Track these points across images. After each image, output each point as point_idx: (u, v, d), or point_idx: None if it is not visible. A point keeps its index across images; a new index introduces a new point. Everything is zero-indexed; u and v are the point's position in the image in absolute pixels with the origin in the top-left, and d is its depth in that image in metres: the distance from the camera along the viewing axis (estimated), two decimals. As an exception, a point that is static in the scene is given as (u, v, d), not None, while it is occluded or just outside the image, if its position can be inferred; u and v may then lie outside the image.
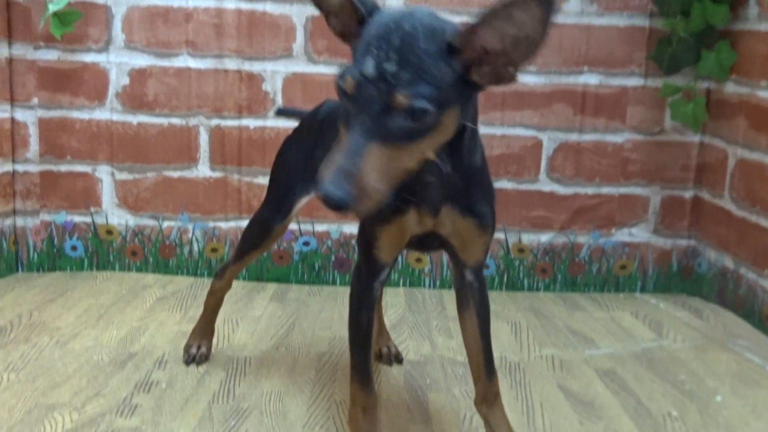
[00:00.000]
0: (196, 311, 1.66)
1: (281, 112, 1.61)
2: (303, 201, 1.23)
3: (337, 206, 0.74)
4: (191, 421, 1.15)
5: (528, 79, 1.88)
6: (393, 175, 0.78)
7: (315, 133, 1.22)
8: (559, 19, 1.85)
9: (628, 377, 1.36)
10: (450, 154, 0.88)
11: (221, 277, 1.40)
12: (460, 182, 0.92)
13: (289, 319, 1.65)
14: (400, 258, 1.53)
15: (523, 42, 0.76)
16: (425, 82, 0.76)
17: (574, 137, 1.91)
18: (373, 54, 0.77)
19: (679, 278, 1.97)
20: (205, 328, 1.43)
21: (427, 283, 1.94)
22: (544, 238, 1.94)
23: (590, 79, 1.89)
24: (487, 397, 1.04)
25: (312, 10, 1.83)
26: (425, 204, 0.93)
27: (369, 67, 0.76)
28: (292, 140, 1.29)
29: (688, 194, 1.95)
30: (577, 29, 1.86)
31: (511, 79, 0.80)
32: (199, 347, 1.40)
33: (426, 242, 0.98)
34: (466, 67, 0.79)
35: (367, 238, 0.98)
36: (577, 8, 1.85)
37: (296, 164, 1.24)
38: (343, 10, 0.86)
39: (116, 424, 1.13)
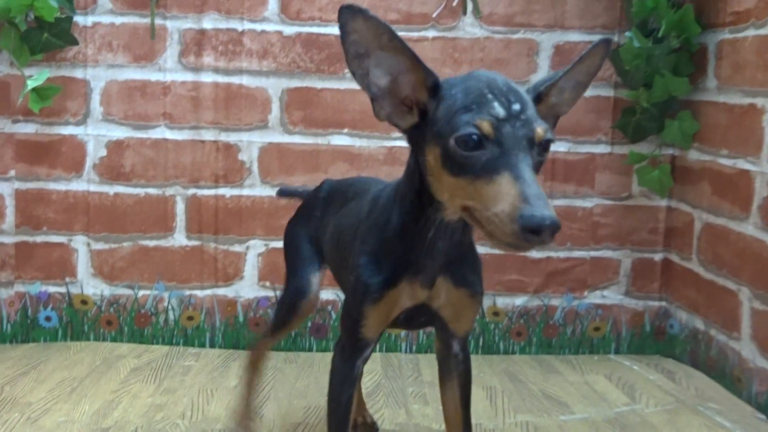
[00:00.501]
0: (171, 382, 1.66)
1: (282, 193, 1.58)
2: (318, 274, 1.26)
3: (557, 228, 0.73)
4: (163, 500, 1.14)
5: (499, 146, 1.92)
6: None
7: (319, 210, 1.26)
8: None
9: (601, 444, 1.37)
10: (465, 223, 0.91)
11: (255, 348, 1.39)
12: (456, 252, 0.94)
13: (264, 388, 1.65)
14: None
15: (574, 89, 0.91)
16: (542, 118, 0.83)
17: (545, 202, 1.95)
18: (492, 100, 0.80)
19: (652, 339, 2.00)
20: (248, 408, 1.39)
21: (403, 347, 1.95)
22: (519, 301, 1.97)
23: (559, 147, 1.94)
24: None
25: (288, 83, 1.88)
26: (423, 274, 0.93)
27: (498, 109, 0.79)
28: (296, 221, 1.33)
29: (657, 257, 1.99)
30: (544, 99, 1.92)
31: (552, 129, 0.88)
32: None
33: (414, 317, 0.98)
34: None
35: (353, 317, 0.97)
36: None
37: (305, 243, 1.27)
38: (397, 85, 0.86)
39: (86, 504, 1.12)
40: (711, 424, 1.45)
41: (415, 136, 0.88)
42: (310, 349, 1.94)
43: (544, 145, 0.81)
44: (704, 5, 1.81)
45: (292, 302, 1.25)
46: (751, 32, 1.64)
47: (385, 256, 0.94)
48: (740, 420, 1.47)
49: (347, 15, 0.82)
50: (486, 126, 0.78)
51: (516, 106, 0.80)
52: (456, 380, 1.03)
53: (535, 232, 0.72)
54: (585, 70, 0.91)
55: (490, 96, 0.80)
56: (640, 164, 1.90)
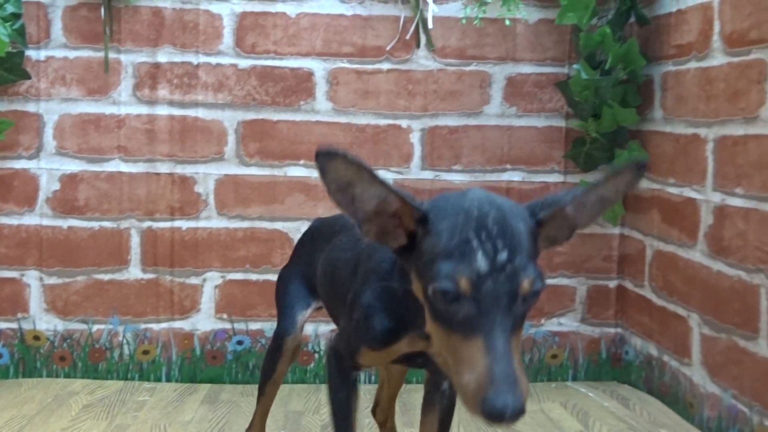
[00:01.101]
0: (123, 418, 1.64)
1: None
2: (306, 313, 1.30)
3: (519, 415, 0.69)
4: None
5: (453, 177, 1.95)
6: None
7: (308, 245, 1.31)
8: (481, 120, 1.95)
9: (553, 473, 1.38)
10: None
11: (252, 425, 1.40)
12: None
13: (219, 423, 1.63)
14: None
15: (595, 205, 0.82)
16: (532, 261, 0.76)
17: (500, 231, 1.97)
18: (478, 248, 0.74)
19: (608, 366, 2.02)
20: None
21: (362, 378, 1.94)
22: (476, 330, 1.98)
23: (513, 176, 1.97)
24: None
25: (243, 115, 1.89)
26: (418, 330, 0.91)
27: (481, 261, 0.73)
28: (288, 264, 1.38)
29: (612, 284, 2.02)
30: (498, 130, 1.95)
31: (566, 240, 0.84)
32: None
33: (411, 359, 1.00)
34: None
35: (351, 347, 1.00)
36: (498, 110, 1.95)
37: (295, 283, 1.32)
38: (381, 215, 0.82)
39: None
40: (661, 451, 1.47)
41: (404, 255, 0.84)
42: (267, 382, 1.92)
43: (536, 295, 0.76)
44: (649, 38, 1.87)
45: (278, 341, 1.29)
46: (692, 65, 1.69)
47: (390, 305, 0.94)
48: (690, 445, 1.49)
49: (324, 160, 0.77)
50: (464, 283, 0.73)
51: (503, 256, 0.74)
52: (437, 412, 1.05)
53: (496, 419, 0.69)
54: (613, 188, 0.83)
55: (475, 243, 0.74)
56: (592, 193, 1.93)
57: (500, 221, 0.76)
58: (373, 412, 1.48)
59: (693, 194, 1.68)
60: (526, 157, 1.97)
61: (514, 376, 0.69)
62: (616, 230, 2.00)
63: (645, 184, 1.88)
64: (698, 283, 1.66)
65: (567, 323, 2.01)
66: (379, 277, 0.96)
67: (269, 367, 1.29)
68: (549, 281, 1.99)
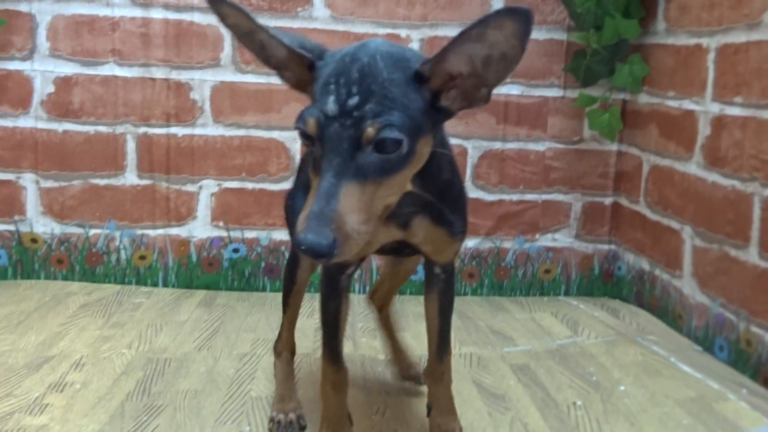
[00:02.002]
0: (120, 317, 1.66)
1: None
2: None
3: (319, 254, 0.70)
4: (102, 418, 1.15)
5: (452, 89, 1.93)
6: (374, 213, 0.76)
7: (308, 159, 1.24)
8: (481, 31, 1.92)
9: (540, 371, 1.41)
10: (419, 174, 0.85)
11: (280, 337, 1.31)
12: (431, 196, 0.92)
13: (214, 322, 1.66)
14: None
15: (498, 61, 0.75)
16: (395, 111, 0.74)
17: (497, 146, 1.97)
18: (332, 92, 0.75)
19: (600, 282, 2.04)
20: (284, 394, 1.22)
21: (356, 288, 1.96)
22: (471, 243, 1.99)
23: (512, 90, 1.95)
24: (434, 373, 1.09)
25: (239, 20, 1.86)
26: (394, 219, 0.92)
27: (330, 104, 0.74)
28: (294, 182, 1.30)
29: (607, 200, 2.02)
30: (498, 41, 1.92)
31: (484, 101, 0.79)
32: (286, 414, 1.17)
33: (398, 249, 1.01)
34: (435, 94, 0.79)
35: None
36: (498, 21, 1.91)
37: (299, 196, 1.23)
38: (291, 61, 0.84)
39: (24, 422, 1.12)
40: (647, 353, 1.50)
41: None
42: (263, 289, 1.95)
43: (388, 143, 0.74)
44: (655, -53, 1.82)
45: (294, 253, 1.24)
46: (698, -28, 1.65)
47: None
48: (676, 350, 1.52)
49: (214, 6, 0.81)
50: (311, 124, 0.75)
51: (353, 101, 0.74)
52: (436, 294, 1.06)
53: (305, 254, 0.72)
54: (502, 38, 0.73)
55: (332, 87, 0.75)
56: (590, 107, 1.92)
57: (366, 69, 0.75)
58: (370, 299, 1.42)
59: (692, 106, 1.67)
60: (525, 70, 1.95)
61: (327, 215, 0.71)
62: (614, 147, 1.99)
63: (644, 99, 1.87)
64: (692, 196, 1.66)
65: (561, 239, 2.03)
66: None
67: (289, 279, 1.23)
68: (544, 197, 2.00)
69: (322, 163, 0.75)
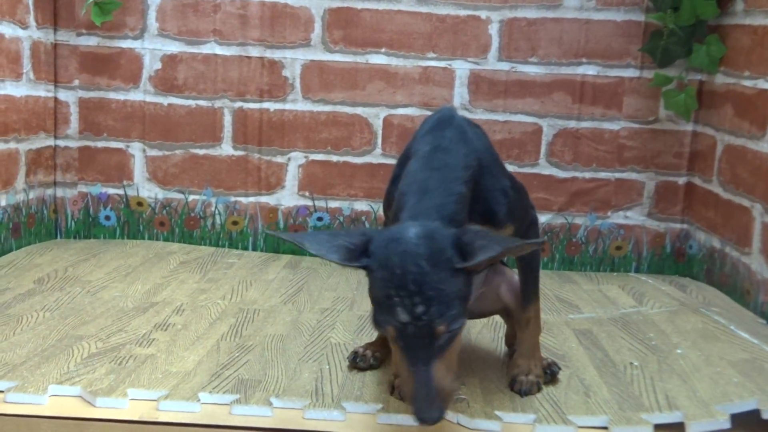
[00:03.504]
0: (215, 274, 1.83)
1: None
2: None
3: (436, 422, 0.93)
4: (201, 352, 1.30)
5: (530, 69, 2.01)
6: (455, 365, 0.98)
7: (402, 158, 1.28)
8: (560, 13, 1.98)
9: (601, 336, 1.48)
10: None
11: None
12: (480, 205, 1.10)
13: (299, 282, 1.80)
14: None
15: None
16: (453, 303, 0.93)
17: (572, 124, 2.03)
18: (398, 304, 0.92)
19: (672, 260, 2.07)
20: (375, 341, 1.31)
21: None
22: (543, 219, 2.06)
23: (588, 70, 2.01)
24: (520, 320, 1.25)
25: (330, 2, 1.99)
26: None
27: (401, 315, 0.92)
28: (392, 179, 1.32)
29: (681, 180, 2.05)
30: (576, 23, 1.99)
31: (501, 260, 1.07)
32: (365, 349, 1.28)
33: None
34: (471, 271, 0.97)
35: None
36: (577, 3, 1.98)
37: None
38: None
39: (134, 351, 1.29)
40: (708, 321, 1.54)
41: None
42: (344, 256, 2.08)
43: (450, 332, 0.94)
44: (736, -71, 1.84)
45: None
46: (777, -47, 1.67)
47: None
48: (738, 320, 1.56)
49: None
50: (391, 331, 0.95)
51: (419, 309, 0.92)
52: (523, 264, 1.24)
53: (422, 424, 0.93)
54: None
55: (396, 299, 0.92)
56: (666, 87, 1.96)
57: (418, 278, 0.92)
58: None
59: (767, 85, 1.69)
60: (602, 50, 2.00)
61: (432, 395, 0.92)
62: (689, 127, 2.02)
63: (720, 79, 1.89)
64: (764, 174, 1.69)
65: (633, 216, 2.07)
66: None
67: None
68: (617, 175, 2.05)
69: (407, 353, 0.94)
